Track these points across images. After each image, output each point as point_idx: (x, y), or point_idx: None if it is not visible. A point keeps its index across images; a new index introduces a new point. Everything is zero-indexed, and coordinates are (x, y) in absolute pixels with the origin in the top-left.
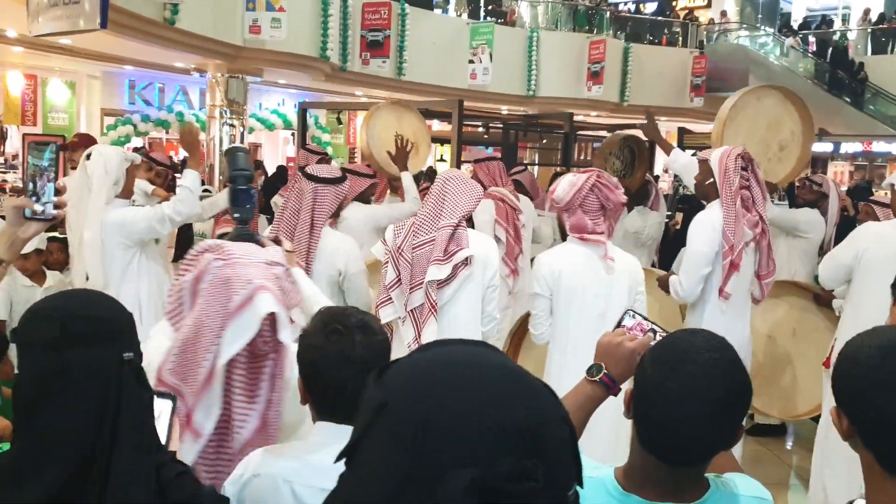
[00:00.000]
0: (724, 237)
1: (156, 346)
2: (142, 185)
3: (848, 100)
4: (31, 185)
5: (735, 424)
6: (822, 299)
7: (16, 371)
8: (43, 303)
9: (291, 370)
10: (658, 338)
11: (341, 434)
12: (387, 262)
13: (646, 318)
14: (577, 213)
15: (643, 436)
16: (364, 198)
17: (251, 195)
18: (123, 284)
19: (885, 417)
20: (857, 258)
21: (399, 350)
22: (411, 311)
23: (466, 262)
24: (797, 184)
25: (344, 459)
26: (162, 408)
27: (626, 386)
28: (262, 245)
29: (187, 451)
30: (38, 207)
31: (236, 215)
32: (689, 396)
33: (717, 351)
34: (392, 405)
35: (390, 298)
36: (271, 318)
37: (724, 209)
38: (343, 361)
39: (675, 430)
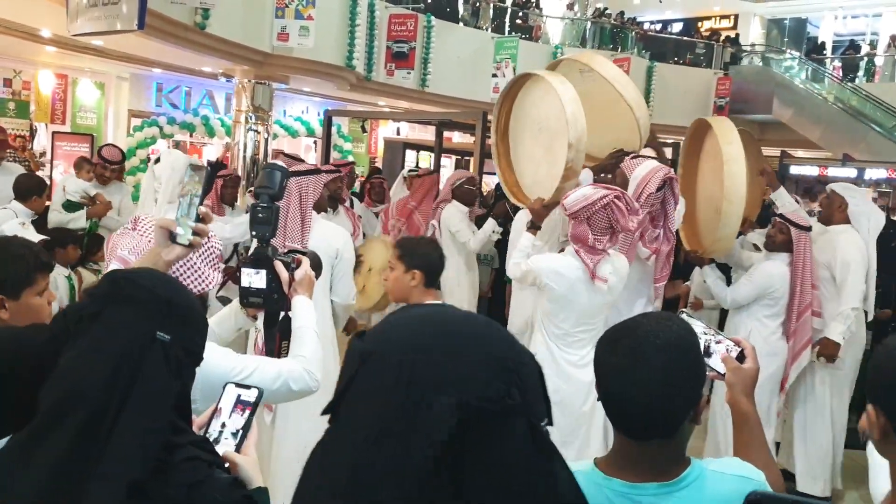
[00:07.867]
0: None
1: None
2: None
3: (874, 125)
4: (181, 206)
5: (691, 392)
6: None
7: None
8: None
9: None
10: (726, 343)
11: None
12: None
13: (699, 321)
14: (582, 224)
15: (609, 415)
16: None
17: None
18: None
19: None
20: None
21: None
22: None
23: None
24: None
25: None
26: (232, 399)
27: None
28: (286, 264)
29: None
30: (179, 231)
31: (253, 232)
32: (631, 368)
33: (658, 324)
34: (378, 352)
35: None
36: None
37: None
38: None
39: (628, 402)
